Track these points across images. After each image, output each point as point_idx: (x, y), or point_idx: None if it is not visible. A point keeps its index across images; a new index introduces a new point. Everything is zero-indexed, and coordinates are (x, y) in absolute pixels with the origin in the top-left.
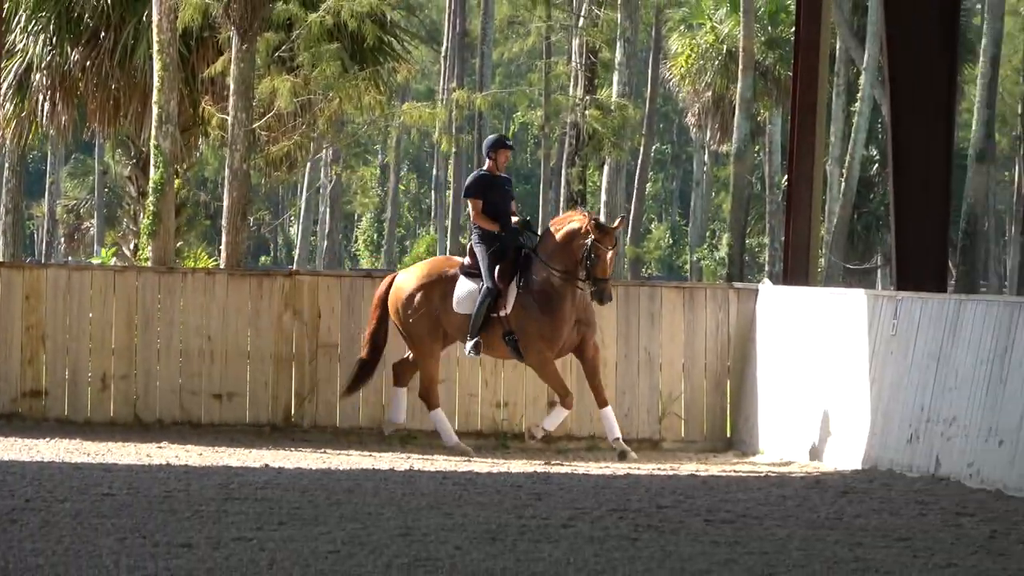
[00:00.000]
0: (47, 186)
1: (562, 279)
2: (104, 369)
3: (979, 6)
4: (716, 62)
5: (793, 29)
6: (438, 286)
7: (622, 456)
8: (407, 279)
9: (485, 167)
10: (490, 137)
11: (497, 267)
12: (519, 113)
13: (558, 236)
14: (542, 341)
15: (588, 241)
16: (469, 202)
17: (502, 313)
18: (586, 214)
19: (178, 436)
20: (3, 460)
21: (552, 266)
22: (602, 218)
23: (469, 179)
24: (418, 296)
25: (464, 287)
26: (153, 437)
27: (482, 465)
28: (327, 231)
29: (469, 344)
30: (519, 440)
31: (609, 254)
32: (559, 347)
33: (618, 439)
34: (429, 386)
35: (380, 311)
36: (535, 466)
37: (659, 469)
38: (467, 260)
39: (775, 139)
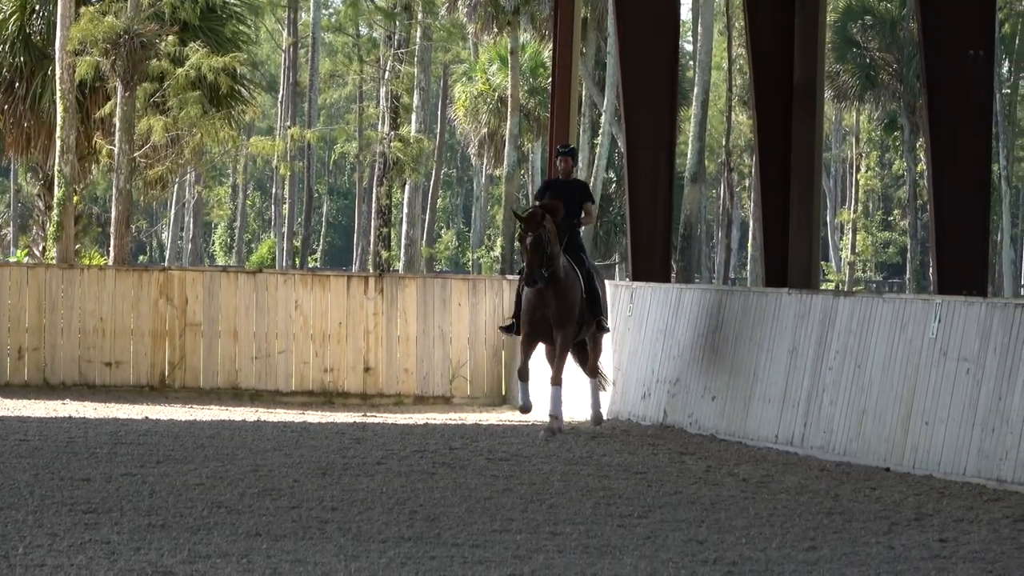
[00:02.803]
0: None
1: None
2: (19, 343)
3: (691, 62)
4: (490, 105)
5: (550, 80)
6: None
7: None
8: None
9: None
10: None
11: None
12: (339, 145)
13: None
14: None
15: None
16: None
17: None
18: (535, 207)
19: (78, 395)
20: None
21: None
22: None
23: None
24: None
25: None
26: (58, 396)
27: (316, 416)
28: (191, 236)
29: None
30: (342, 397)
31: (528, 239)
32: (531, 324)
33: (555, 418)
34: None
35: None
36: (354, 417)
37: (451, 419)
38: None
39: (536, 165)
